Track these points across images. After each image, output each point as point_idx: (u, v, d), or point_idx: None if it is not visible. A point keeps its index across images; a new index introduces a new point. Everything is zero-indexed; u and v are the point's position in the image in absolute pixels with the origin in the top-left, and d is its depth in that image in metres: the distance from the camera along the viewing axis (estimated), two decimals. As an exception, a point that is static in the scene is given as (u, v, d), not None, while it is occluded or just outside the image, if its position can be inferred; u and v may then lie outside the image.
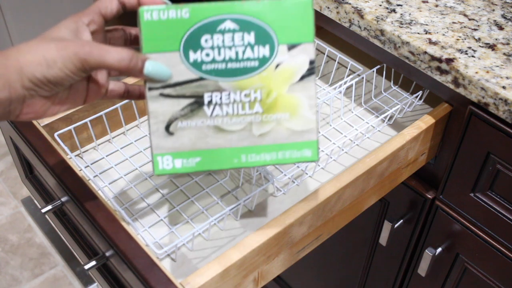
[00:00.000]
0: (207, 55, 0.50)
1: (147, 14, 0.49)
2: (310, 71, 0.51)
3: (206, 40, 0.50)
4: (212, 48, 0.50)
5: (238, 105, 0.51)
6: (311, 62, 0.51)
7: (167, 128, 0.51)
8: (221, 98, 0.51)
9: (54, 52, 0.45)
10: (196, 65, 0.50)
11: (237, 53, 0.50)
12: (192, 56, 0.50)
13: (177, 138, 0.51)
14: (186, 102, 0.51)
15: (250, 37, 0.50)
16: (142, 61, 0.48)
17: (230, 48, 0.50)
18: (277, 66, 0.51)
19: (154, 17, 0.49)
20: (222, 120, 0.51)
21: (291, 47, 0.51)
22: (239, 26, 0.50)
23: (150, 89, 0.50)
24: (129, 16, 0.59)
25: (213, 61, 0.50)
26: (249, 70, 0.51)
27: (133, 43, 0.57)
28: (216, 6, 0.49)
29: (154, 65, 0.49)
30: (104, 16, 0.52)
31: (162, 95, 0.51)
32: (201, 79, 0.51)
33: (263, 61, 0.51)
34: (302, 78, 0.51)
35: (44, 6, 1.75)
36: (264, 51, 0.50)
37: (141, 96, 0.56)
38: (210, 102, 0.51)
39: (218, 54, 0.50)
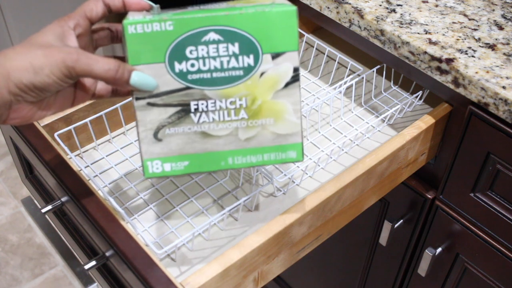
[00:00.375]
0: (192, 65, 0.51)
1: (131, 27, 0.49)
2: (295, 78, 0.52)
3: (191, 51, 0.50)
4: (197, 59, 0.51)
5: (224, 112, 0.52)
6: (295, 70, 0.52)
7: (155, 135, 0.52)
8: (207, 106, 0.52)
9: (42, 59, 0.45)
10: (182, 75, 0.51)
11: (222, 63, 0.51)
12: (178, 66, 0.51)
13: (165, 144, 0.53)
14: (173, 110, 0.52)
15: (235, 48, 0.51)
16: (128, 72, 0.49)
17: (214, 58, 0.51)
18: (261, 74, 0.52)
19: (139, 30, 0.49)
20: (208, 126, 0.53)
21: (275, 55, 0.51)
22: (223, 37, 0.50)
23: (137, 98, 0.51)
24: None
25: (199, 71, 0.51)
26: (234, 79, 0.52)
27: (120, 40, 0.56)
28: (199, 18, 0.49)
29: (140, 75, 0.49)
30: (90, 19, 0.52)
31: (149, 104, 0.51)
32: (187, 88, 0.51)
33: (247, 70, 0.51)
34: (287, 85, 0.52)
35: (44, 6, 1.75)
36: (249, 60, 0.51)
37: (129, 93, 0.56)
38: (196, 110, 0.52)
39: (203, 65, 0.51)
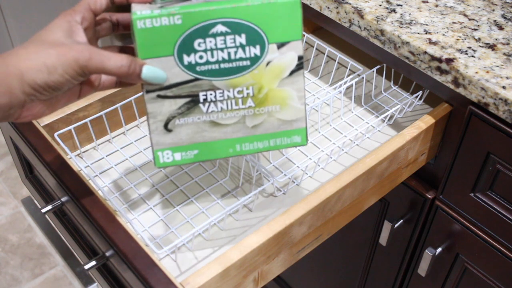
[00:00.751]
0: (201, 57, 0.52)
1: (140, 22, 0.50)
2: (299, 66, 0.54)
3: (199, 44, 0.51)
4: (205, 51, 0.52)
5: (231, 101, 0.54)
6: (300, 58, 0.54)
7: (165, 126, 0.54)
8: (215, 96, 0.53)
9: (55, 58, 0.46)
10: (190, 67, 0.52)
11: (229, 54, 0.52)
12: (186, 59, 0.52)
13: (175, 134, 0.54)
14: (182, 101, 0.53)
15: (241, 39, 0.52)
16: (140, 67, 0.49)
17: (222, 50, 0.52)
18: (267, 63, 0.53)
19: (148, 25, 0.50)
20: (217, 115, 0.54)
21: (280, 45, 0.53)
22: (230, 29, 0.51)
23: (147, 91, 0.52)
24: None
25: (207, 62, 0.52)
26: (241, 69, 0.53)
27: (120, 29, 0.57)
28: (207, 11, 0.50)
29: (150, 69, 0.50)
30: (94, 12, 0.53)
31: (159, 96, 0.53)
32: (195, 79, 0.53)
33: (254, 60, 0.53)
34: (292, 73, 0.54)
35: (44, 6, 1.75)
36: (255, 50, 0.53)
37: (132, 84, 0.57)
38: (205, 100, 0.54)
39: (211, 56, 0.52)
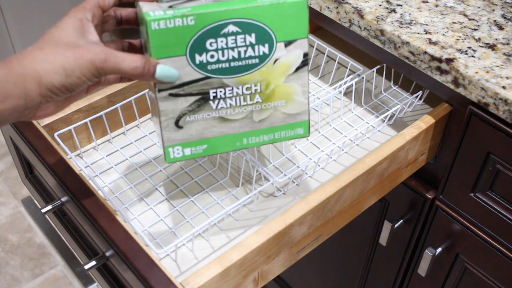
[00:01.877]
0: (212, 56, 0.53)
1: (154, 24, 0.50)
2: (304, 63, 0.56)
3: (210, 44, 0.52)
4: (217, 50, 0.53)
5: (240, 98, 0.56)
6: (305, 55, 0.56)
7: (176, 123, 0.55)
8: (225, 93, 0.55)
9: (72, 61, 0.46)
10: (202, 66, 0.53)
11: (239, 53, 0.54)
12: (198, 58, 0.53)
13: (186, 130, 0.56)
14: (193, 99, 0.55)
15: (251, 38, 0.53)
16: (153, 67, 0.50)
17: (233, 49, 0.53)
18: (275, 61, 0.55)
19: (161, 26, 0.51)
20: (226, 112, 0.56)
21: (287, 43, 0.55)
22: (241, 29, 0.53)
23: (159, 90, 0.53)
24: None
25: (218, 61, 0.53)
26: (250, 67, 0.54)
27: (124, 24, 0.58)
28: (220, 12, 0.51)
29: (164, 69, 0.51)
30: (103, 8, 0.53)
31: (171, 95, 0.54)
32: (206, 78, 0.54)
33: (263, 58, 0.54)
34: (297, 69, 0.56)
35: (44, 6, 1.75)
36: (264, 49, 0.54)
37: (132, 79, 0.57)
38: (215, 97, 0.55)
39: (222, 55, 0.53)
